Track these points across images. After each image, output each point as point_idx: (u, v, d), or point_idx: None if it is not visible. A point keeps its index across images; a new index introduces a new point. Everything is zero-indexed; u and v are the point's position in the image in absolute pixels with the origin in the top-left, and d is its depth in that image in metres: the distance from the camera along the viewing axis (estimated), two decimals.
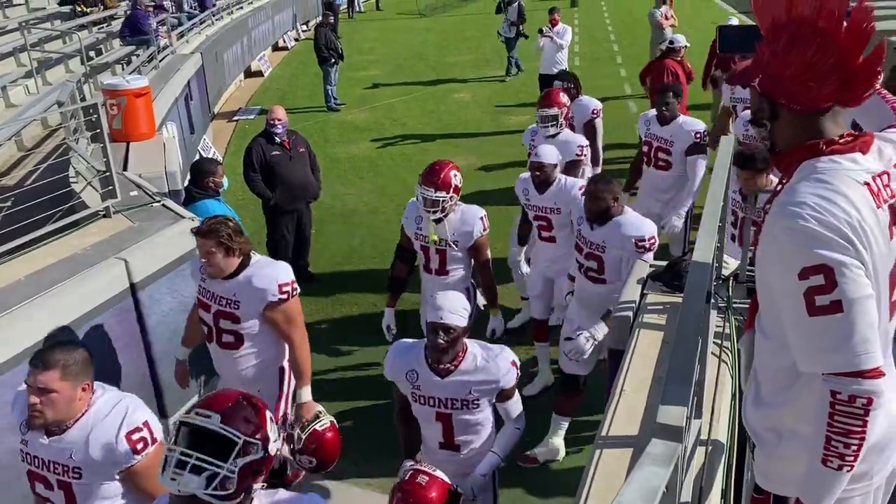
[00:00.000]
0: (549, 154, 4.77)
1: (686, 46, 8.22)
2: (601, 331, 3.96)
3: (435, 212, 4.25)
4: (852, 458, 1.61)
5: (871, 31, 1.62)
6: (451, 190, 4.24)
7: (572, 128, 6.05)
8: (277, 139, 6.32)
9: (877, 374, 1.58)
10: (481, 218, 4.37)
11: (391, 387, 3.32)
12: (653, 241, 4.01)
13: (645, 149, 5.74)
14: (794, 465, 1.77)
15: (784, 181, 1.77)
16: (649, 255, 3.97)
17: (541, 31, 10.38)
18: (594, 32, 18.10)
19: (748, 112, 4.51)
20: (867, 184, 1.64)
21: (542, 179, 4.75)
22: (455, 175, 4.28)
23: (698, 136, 5.50)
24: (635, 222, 4.06)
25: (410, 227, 4.51)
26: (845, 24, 1.62)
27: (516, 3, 13.26)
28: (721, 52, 2.81)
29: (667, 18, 11.92)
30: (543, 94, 5.90)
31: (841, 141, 1.68)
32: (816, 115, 1.70)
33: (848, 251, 1.58)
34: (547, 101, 5.68)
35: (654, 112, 5.72)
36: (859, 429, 1.59)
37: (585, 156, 5.65)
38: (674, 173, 5.60)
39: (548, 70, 10.35)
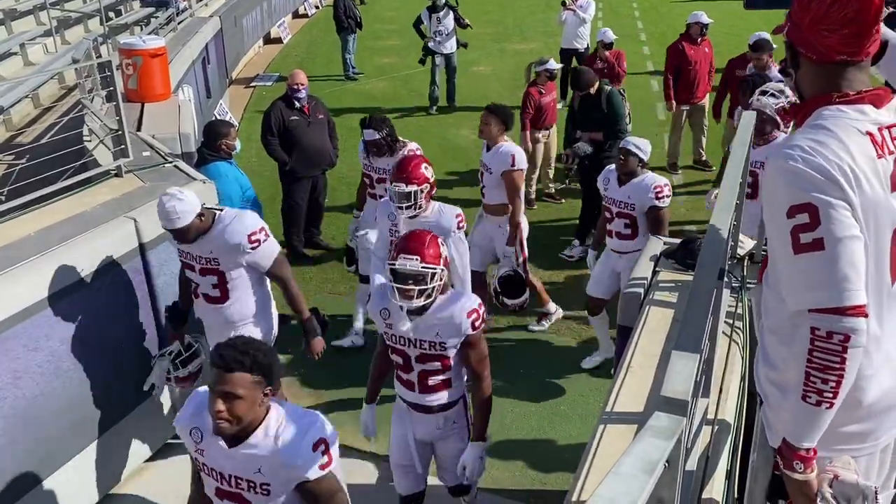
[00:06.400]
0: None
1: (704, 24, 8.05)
2: None
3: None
4: (831, 395, 1.64)
5: None
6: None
7: None
8: (298, 104, 6.27)
9: (858, 312, 1.61)
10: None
11: None
12: None
13: None
14: None
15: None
16: None
17: (564, 3, 10.20)
18: (618, 9, 17.79)
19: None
20: (870, 133, 1.68)
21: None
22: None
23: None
24: None
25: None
26: None
27: (445, 6, 10.27)
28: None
29: None
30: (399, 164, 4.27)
31: (853, 94, 1.71)
32: (835, 67, 1.73)
33: (833, 191, 1.62)
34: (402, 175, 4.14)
35: None
36: (837, 365, 1.62)
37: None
38: None
39: (569, 45, 10.19)
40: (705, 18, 8.03)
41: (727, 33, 12.33)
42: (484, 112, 5.17)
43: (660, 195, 4.67)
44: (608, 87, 6.40)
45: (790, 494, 1.80)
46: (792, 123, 5.17)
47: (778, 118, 4.52)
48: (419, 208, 4.11)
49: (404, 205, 4.08)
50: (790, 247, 1.65)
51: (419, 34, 10.54)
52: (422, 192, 4.07)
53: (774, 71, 6.68)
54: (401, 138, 5.27)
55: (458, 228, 4.17)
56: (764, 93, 4.59)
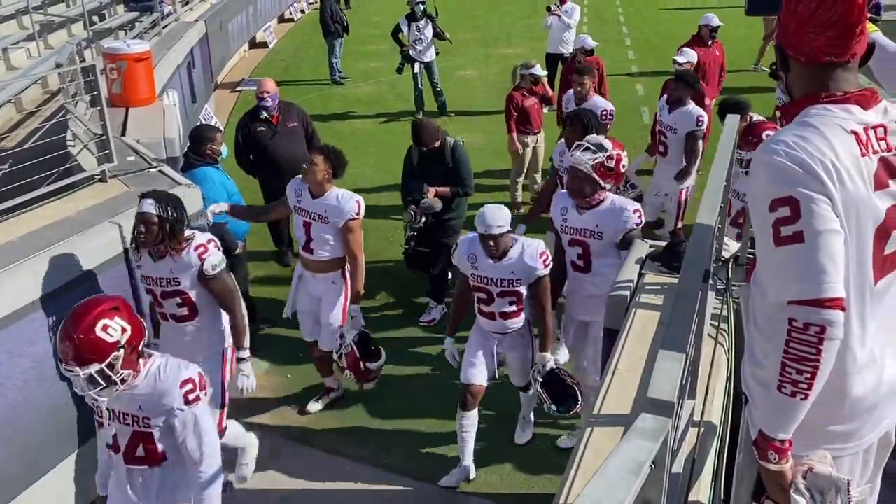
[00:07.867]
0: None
1: None
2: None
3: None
4: (806, 387, 1.66)
5: None
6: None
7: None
8: (265, 114, 6.12)
9: (835, 304, 1.63)
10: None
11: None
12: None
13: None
14: None
15: None
16: None
17: (549, 8, 10.24)
18: (603, 14, 17.90)
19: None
20: (854, 132, 1.72)
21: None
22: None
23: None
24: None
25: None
26: None
27: (425, 16, 10.23)
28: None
29: None
30: None
31: (840, 94, 1.75)
32: (823, 68, 1.77)
33: (814, 186, 1.66)
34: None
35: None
36: (813, 357, 1.64)
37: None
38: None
39: (555, 49, 10.22)
40: (715, 21, 8.22)
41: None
42: (314, 151, 4.58)
43: (546, 262, 4.00)
44: (451, 139, 5.65)
45: (765, 485, 1.83)
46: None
47: (597, 176, 3.88)
48: (123, 382, 2.70)
49: (91, 390, 2.68)
50: (771, 239, 1.68)
51: (397, 43, 10.50)
52: (112, 365, 2.64)
53: (595, 100, 6.33)
54: (190, 233, 3.72)
55: (188, 404, 2.77)
56: (578, 146, 3.96)
